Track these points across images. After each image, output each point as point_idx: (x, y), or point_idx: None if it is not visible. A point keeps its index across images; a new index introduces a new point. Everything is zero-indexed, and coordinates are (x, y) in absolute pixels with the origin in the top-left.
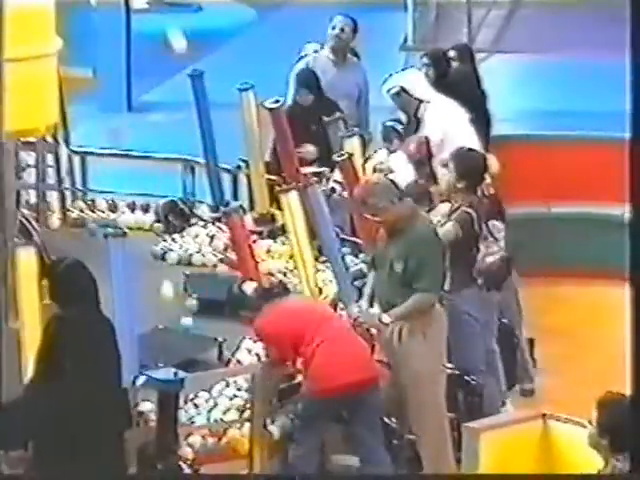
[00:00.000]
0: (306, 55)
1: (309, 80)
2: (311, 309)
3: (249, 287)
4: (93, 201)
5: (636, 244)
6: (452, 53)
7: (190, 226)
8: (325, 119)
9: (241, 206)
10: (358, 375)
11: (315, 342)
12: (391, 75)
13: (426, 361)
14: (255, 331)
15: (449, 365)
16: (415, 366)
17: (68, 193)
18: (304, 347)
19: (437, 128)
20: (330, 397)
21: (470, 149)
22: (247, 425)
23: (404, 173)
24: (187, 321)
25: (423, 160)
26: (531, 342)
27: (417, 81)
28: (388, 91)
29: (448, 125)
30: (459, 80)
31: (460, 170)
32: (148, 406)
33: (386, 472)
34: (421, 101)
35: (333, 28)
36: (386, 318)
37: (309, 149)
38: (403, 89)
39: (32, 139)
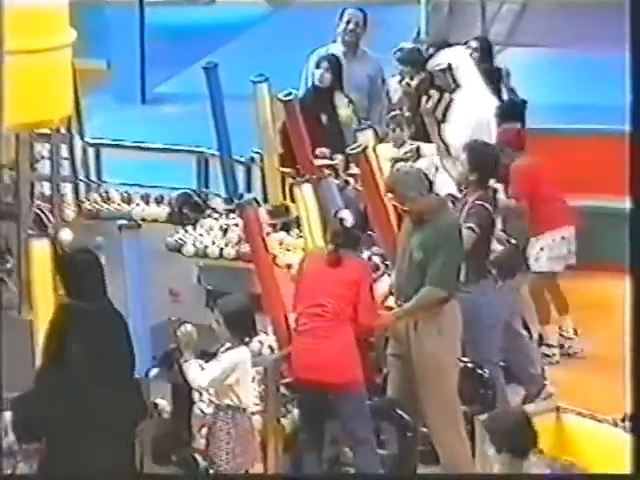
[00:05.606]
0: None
1: (333, 61)
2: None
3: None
4: (107, 193)
5: (636, 237)
6: (473, 44)
7: (204, 218)
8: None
9: (255, 198)
10: (317, 376)
11: (297, 323)
12: (440, 49)
13: (441, 355)
14: None
15: (464, 359)
16: (430, 360)
17: (82, 185)
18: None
19: (462, 119)
20: (298, 388)
21: (484, 142)
22: (259, 418)
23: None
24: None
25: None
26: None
27: (462, 62)
28: (436, 65)
29: (470, 116)
30: None
31: (472, 162)
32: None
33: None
34: (457, 85)
35: (347, 22)
36: (393, 314)
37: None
38: (449, 67)
39: (46, 131)
